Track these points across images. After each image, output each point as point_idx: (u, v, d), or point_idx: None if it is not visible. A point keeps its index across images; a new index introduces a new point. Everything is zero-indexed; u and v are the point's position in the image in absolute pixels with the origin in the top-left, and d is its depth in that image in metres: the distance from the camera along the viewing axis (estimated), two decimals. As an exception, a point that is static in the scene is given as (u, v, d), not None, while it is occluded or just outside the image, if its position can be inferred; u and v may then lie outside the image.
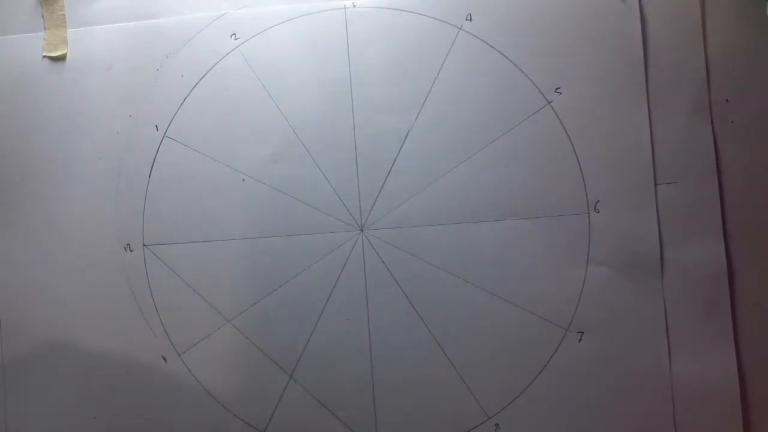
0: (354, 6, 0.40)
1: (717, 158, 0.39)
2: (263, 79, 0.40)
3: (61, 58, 0.41)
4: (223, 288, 0.40)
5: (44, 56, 0.41)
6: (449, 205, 0.40)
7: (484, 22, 0.40)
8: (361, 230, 0.40)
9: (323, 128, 0.40)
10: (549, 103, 0.40)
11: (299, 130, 0.40)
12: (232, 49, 0.41)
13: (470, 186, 0.40)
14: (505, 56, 0.40)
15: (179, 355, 0.39)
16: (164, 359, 0.39)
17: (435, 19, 0.40)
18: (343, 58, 0.40)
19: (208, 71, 0.40)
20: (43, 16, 0.41)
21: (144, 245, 0.40)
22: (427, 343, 0.39)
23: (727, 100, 0.39)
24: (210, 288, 0.40)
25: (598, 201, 0.39)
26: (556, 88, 0.40)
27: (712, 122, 0.39)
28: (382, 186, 0.40)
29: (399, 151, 0.40)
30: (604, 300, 0.39)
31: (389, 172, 0.40)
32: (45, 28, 0.41)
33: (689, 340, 0.38)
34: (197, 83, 0.40)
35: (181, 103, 0.40)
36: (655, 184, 0.39)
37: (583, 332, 0.39)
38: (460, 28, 0.40)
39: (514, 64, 0.40)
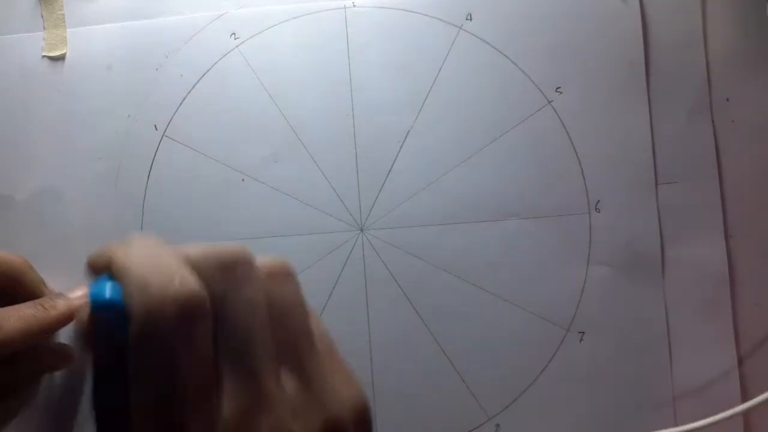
0: (354, 6, 0.40)
1: (717, 158, 0.39)
2: (263, 79, 0.40)
3: (61, 58, 0.41)
4: (223, 288, 0.39)
5: (44, 56, 0.41)
6: (449, 205, 0.39)
7: (484, 22, 0.40)
8: (361, 230, 0.40)
9: (323, 128, 0.40)
10: (549, 103, 0.40)
11: (299, 130, 0.40)
12: (232, 49, 0.41)
13: (470, 186, 0.39)
14: (505, 56, 0.40)
15: (179, 355, 0.39)
16: (164, 359, 0.39)
17: (435, 18, 0.40)
18: (343, 58, 0.40)
19: (208, 71, 0.40)
20: (42, 16, 0.41)
21: (143, 245, 0.40)
22: (427, 343, 0.39)
23: (727, 100, 0.39)
24: (210, 288, 0.39)
25: (599, 201, 0.39)
26: (556, 88, 0.40)
27: (712, 122, 0.39)
28: (382, 186, 0.40)
29: (399, 151, 0.40)
30: (604, 300, 0.39)
31: (389, 172, 0.40)
32: (44, 28, 0.41)
33: (689, 340, 0.38)
34: (197, 83, 0.40)
35: (181, 103, 0.40)
36: (656, 184, 0.39)
37: (583, 332, 0.39)
38: (460, 28, 0.40)
39: (514, 64, 0.40)
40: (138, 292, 0.22)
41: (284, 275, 0.26)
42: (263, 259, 0.25)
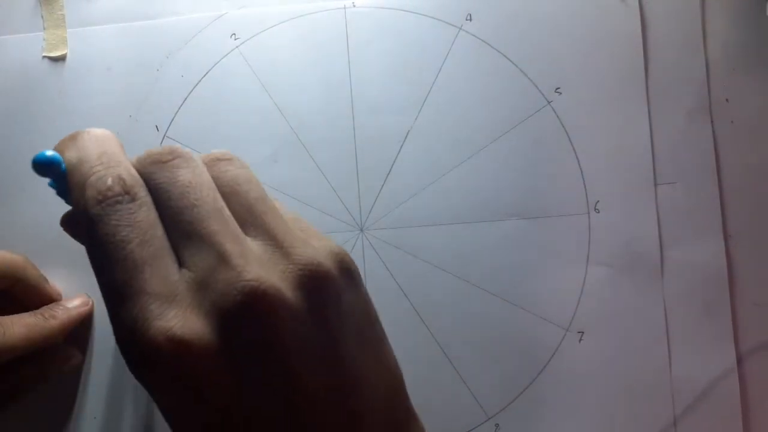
0: (354, 6, 0.40)
1: (717, 158, 0.39)
2: (263, 79, 0.40)
3: (61, 58, 0.41)
4: (223, 288, 0.39)
5: (44, 56, 0.41)
6: (449, 205, 0.40)
7: (484, 22, 0.40)
8: (361, 230, 0.40)
9: (323, 128, 0.40)
10: (549, 103, 0.40)
11: (299, 130, 0.40)
12: (232, 49, 0.41)
13: (470, 186, 0.40)
14: (505, 56, 0.40)
15: (179, 355, 0.39)
16: (164, 359, 0.39)
17: (435, 19, 0.40)
18: (343, 58, 0.40)
19: (208, 71, 0.40)
20: (42, 16, 0.41)
21: (144, 245, 0.40)
22: (427, 342, 0.39)
23: (727, 100, 0.39)
24: (210, 288, 0.39)
25: (598, 201, 0.39)
26: (556, 88, 0.40)
27: (712, 122, 0.39)
28: (382, 186, 0.40)
29: (399, 151, 0.40)
30: (604, 300, 0.39)
31: (389, 172, 0.40)
32: (44, 28, 0.41)
33: (689, 340, 0.38)
34: (198, 84, 0.40)
35: (181, 104, 0.40)
36: (655, 184, 0.39)
37: (583, 332, 0.39)
38: (460, 28, 0.40)
39: (514, 64, 0.40)
40: (75, 182, 0.26)
41: (226, 159, 0.28)
42: (208, 153, 0.29)
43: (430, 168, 0.40)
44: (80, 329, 0.39)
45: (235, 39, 0.41)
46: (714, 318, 0.38)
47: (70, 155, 0.27)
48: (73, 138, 0.28)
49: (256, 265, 0.24)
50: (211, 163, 0.28)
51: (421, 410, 0.33)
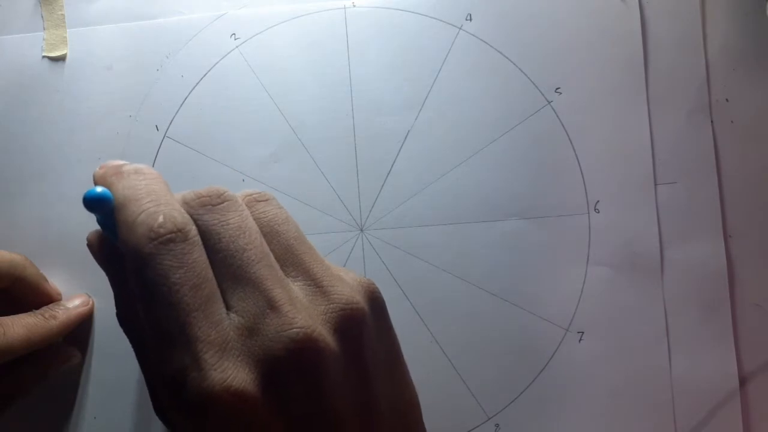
0: (354, 6, 0.40)
1: (717, 158, 0.39)
2: (263, 79, 0.40)
3: (61, 58, 0.41)
4: (223, 288, 0.39)
5: (44, 56, 0.41)
6: (449, 205, 0.40)
7: (484, 22, 0.40)
8: (361, 230, 0.40)
9: (323, 128, 0.40)
10: (549, 103, 0.40)
11: (299, 131, 0.40)
12: (232, 49, 0.41)
13: (470, 186, 0.40)
14: (505, 56, 0.40)
15: (179, 355, 0.39)
16: (164, 359, 0.39)
17: (435, 19, 0.40)
18: (343, 58, 0.40)
19: (208, 71, 0.40)
20: (42, 16, 0.41)
21: (144, 245, 0.40)
22: (427, 342, 0.39)
23: (727, 100, 0.39)
24: (210, 288, 0.39)
25: (598, 201, 0.39)
26: (556, 88, 0.40)
27: (712, 122, 0.39)
28: (382, 186, 0.40)
29: (399, 151, 0.40)
30: (604, 300, 0.39)
31: (389, 172, 0.40)
32: (44, 28, 0.41)
33: (689, 340, 0.38)
34: (198, 83, 0.40)
35: (182, 104, 0.40)
36: (655, 184, 0.39)
37: (583, 332, 0.39)
38: (460, 28, 0.40)
39: (514, 64, 0.40)
40: (124, 219, 0.25)
41: (264, 199, 0.29)
42: (243, 192, 0.29)
43: (430, 168, 0.40)
44: (80, 329, 0.39)
45: (235, 39, 0.41)
46: (714, 318, 0.38)
47: (118, 192, 0.27)
48: (118, 174, 0.28)
49: (303, 311, 0.25)
50: (250, 204, 0.28)
51: (422, 410, 0.33)
